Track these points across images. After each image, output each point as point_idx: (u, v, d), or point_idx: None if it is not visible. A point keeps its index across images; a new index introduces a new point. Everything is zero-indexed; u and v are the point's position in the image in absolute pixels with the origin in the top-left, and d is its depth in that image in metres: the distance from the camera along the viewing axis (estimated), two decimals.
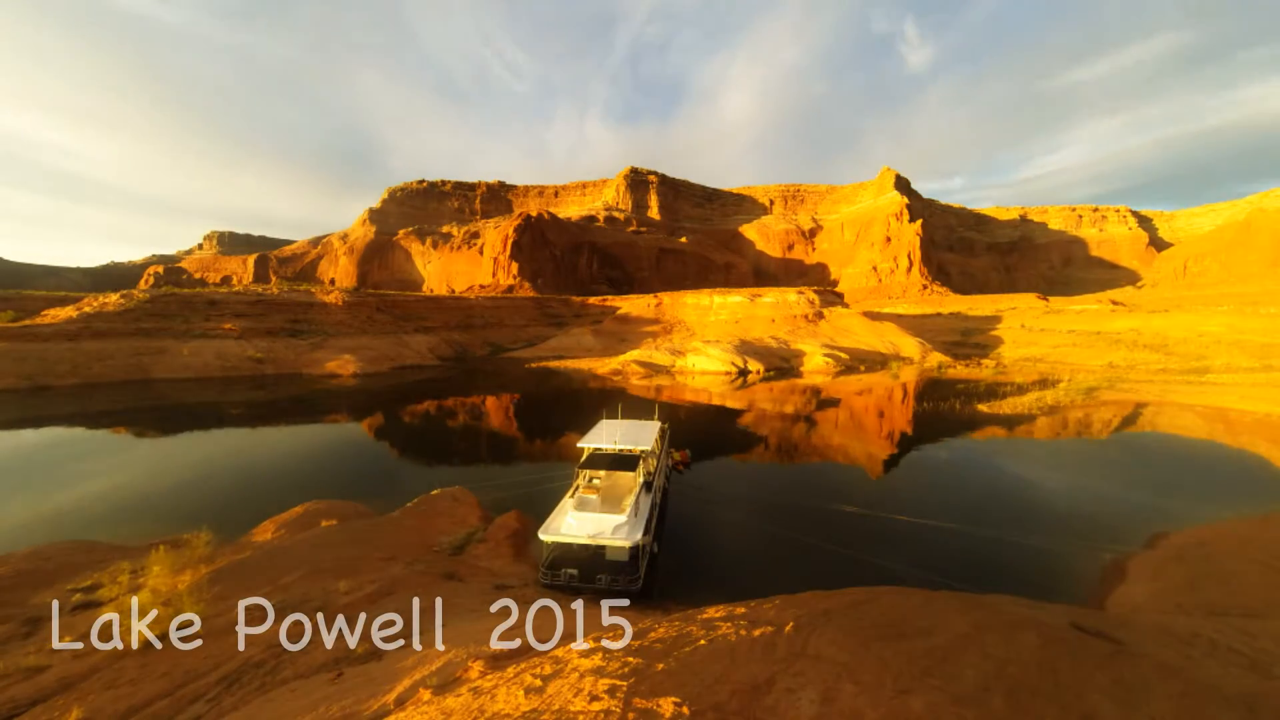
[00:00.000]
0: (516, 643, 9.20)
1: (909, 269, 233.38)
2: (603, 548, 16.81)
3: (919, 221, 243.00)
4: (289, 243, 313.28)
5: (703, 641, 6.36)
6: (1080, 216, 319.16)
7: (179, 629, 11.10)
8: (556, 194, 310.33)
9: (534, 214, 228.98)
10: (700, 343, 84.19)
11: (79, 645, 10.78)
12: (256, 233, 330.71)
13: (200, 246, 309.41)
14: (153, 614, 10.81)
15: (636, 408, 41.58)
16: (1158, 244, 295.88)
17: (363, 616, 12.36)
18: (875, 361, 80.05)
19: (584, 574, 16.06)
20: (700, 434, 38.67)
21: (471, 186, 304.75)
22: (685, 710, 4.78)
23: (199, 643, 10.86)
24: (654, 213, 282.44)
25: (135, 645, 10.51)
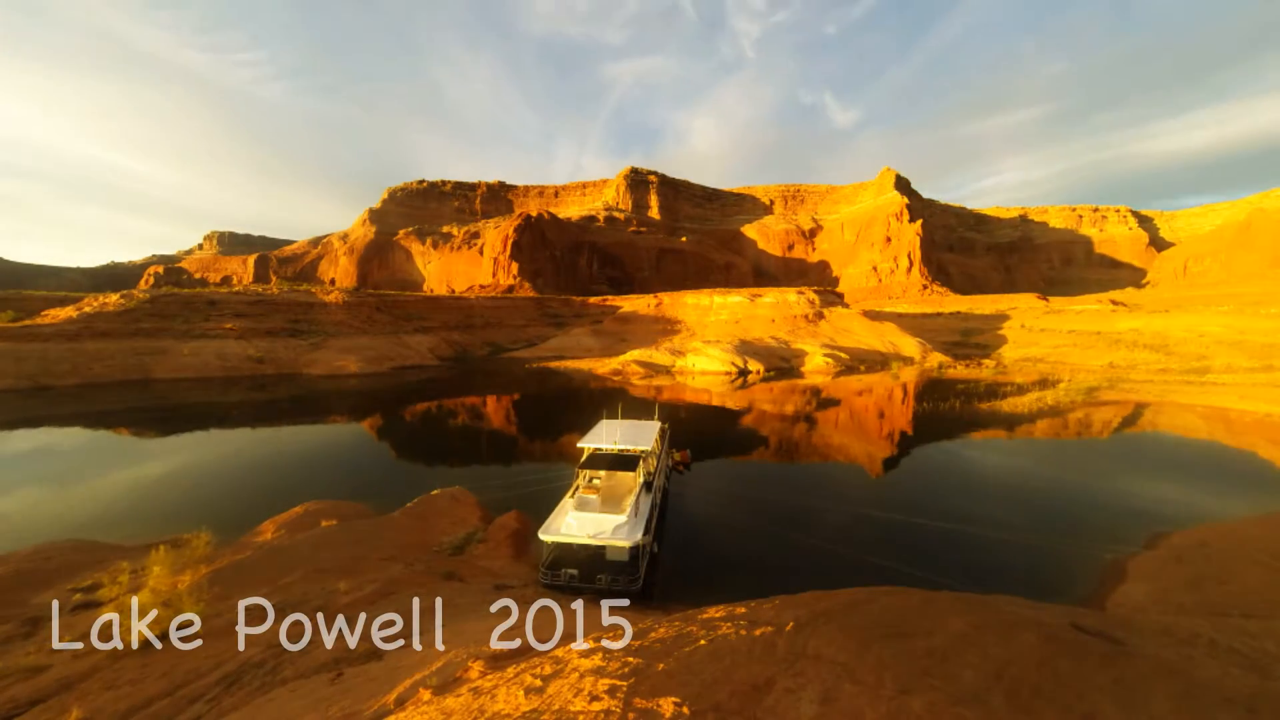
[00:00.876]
0: (516, 643, 9.19)
1: (909, 269, 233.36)
2: (603, 548, 16.81)
3: (919, 221, 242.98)
4: (289, 243, 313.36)
5: (703, 642, 6.36)
6: (1080, 216, 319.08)
7: (179, 629, 11.10)
8: (556, 194, 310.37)
9: (534, 214, 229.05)
10: (700, 343, 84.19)
11: (79, 645, 10.78)
12: (257, 233, 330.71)
13: (200, 247, 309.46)
14: (153, 614, 10.81)
15: (636, 408, 41.63)
16: (1158, 244, 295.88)
17: (363, 616, 12.36)
18: (875, 361, 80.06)
19: (584, 574, 16.06)
20: (700, 434, 38.66)
21: (472, 186, 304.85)
22: (685, 710, 4.78)
23: (199, 643, 10.86)
24: (654, 213, 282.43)
25: (135, 645, 10.51)
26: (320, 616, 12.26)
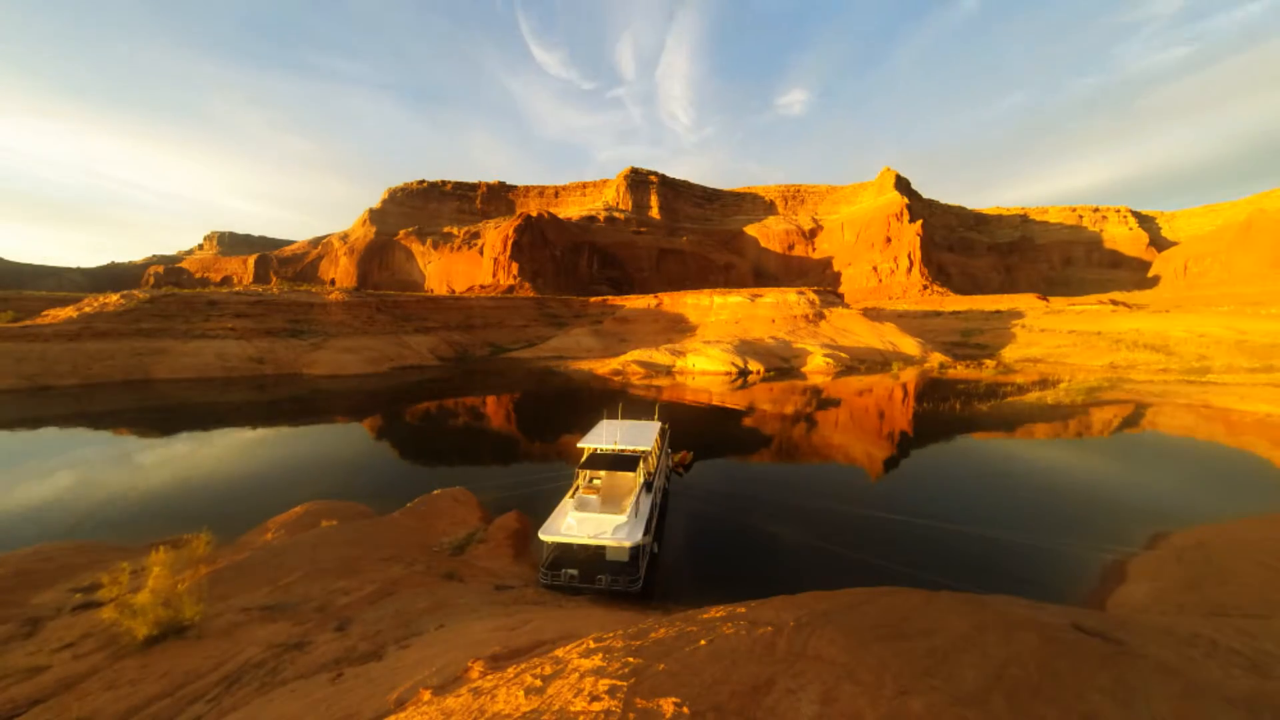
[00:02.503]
0: (517, 643, 9.19)
1: (909, 269, 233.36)
2: (603, 548, 16.81)
3: (919, 222, 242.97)
4: (289, 243, 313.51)
5: (703, 642, 6.36)
6: (1081, 216, 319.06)
7: (179, 629, 11.10)
8: (557, 194, 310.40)
9: (534, 214, 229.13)
10: (700, 343, 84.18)
11: (79, 645, 10.78)
12: (257, 233, 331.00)
13: (200, 247, 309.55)
14: (153, 614, 10.81)
15: (636, 408, 41.58)
16: (1158, 244, 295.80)
17: (363, 616, 12.36)
18: (876, 362, 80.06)
19: (584, 574, 16.06)
20: (701, 434, 38.65)
21: (472, 186, 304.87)
22: (685, 710, 4.78)
23: (199, 643, 10.86)
24: (654, 213, 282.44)
25: (135, 645, 10.51)
26: (320, 617, 12.27)
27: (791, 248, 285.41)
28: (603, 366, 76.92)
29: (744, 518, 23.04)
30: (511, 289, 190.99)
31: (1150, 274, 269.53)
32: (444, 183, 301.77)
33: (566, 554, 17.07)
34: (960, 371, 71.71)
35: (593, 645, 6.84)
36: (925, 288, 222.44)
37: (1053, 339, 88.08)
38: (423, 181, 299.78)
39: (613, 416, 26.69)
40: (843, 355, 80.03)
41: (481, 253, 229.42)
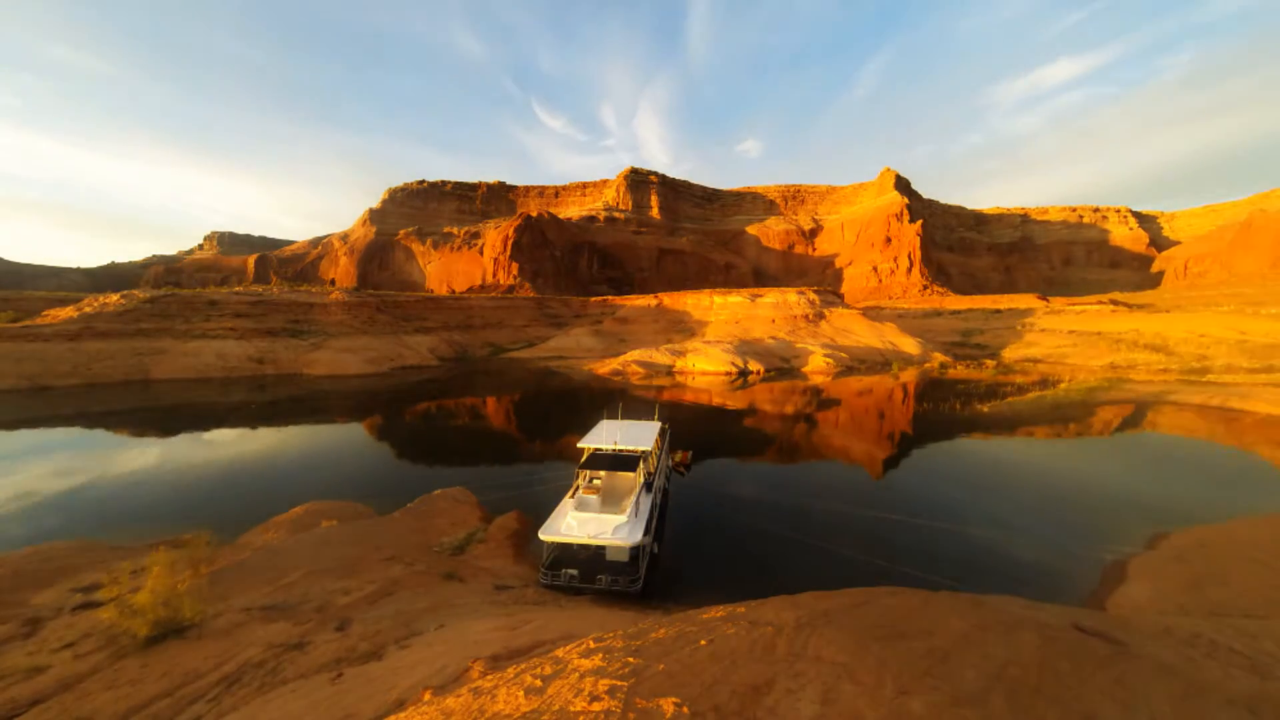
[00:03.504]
0: (517, 643, 9.19)
1: (909, 269, 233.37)
2: (603, 548, 16.81)
3: (919, 222, 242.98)
4: (289, 243, 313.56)
5: (703, 642, 6.36)
6: (1081, 216, 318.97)
7: (179, 629, 11.10)
8: (557, 194, 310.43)
9: (534, 214, 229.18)
10: (701, 343, 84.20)
11: (79, 645, 10.78)
12: (257, 233, 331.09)
13: (201, 247, 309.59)
14: (153, 615, 10.81)
15: (636, 408, 41.64)
16: (1159, 244, 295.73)
17: (363, 616, 12.36)
18: (876, 362, 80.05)
19: (584, 574, 16.05)
20: (701, 434, 38.65)
21: (472, 187, 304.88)
22: (685, 711, 4.78)
23: (199, 643, 10.86)
24: (654, 213, 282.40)
25: (135, 645, 10.51)
26: (320, 616, 12.27)
27: (791, 248, 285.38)
28: (603, 366, 76.93)
29: (744, 518, 23.04)
30: (511, 289, 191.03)
31: (1151, 274, 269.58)
32: (444, 183, 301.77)
33: (566, 554, 17.07)
34: (960, 372, 71.71)
35: (593, 645, 6.84)
36: (925, 288, 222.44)
37: (1053, 339, 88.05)
38: (423, 181, 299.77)
39: (613, 416, 26.69)
40: (843, 355, 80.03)
41: (481, 253, 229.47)
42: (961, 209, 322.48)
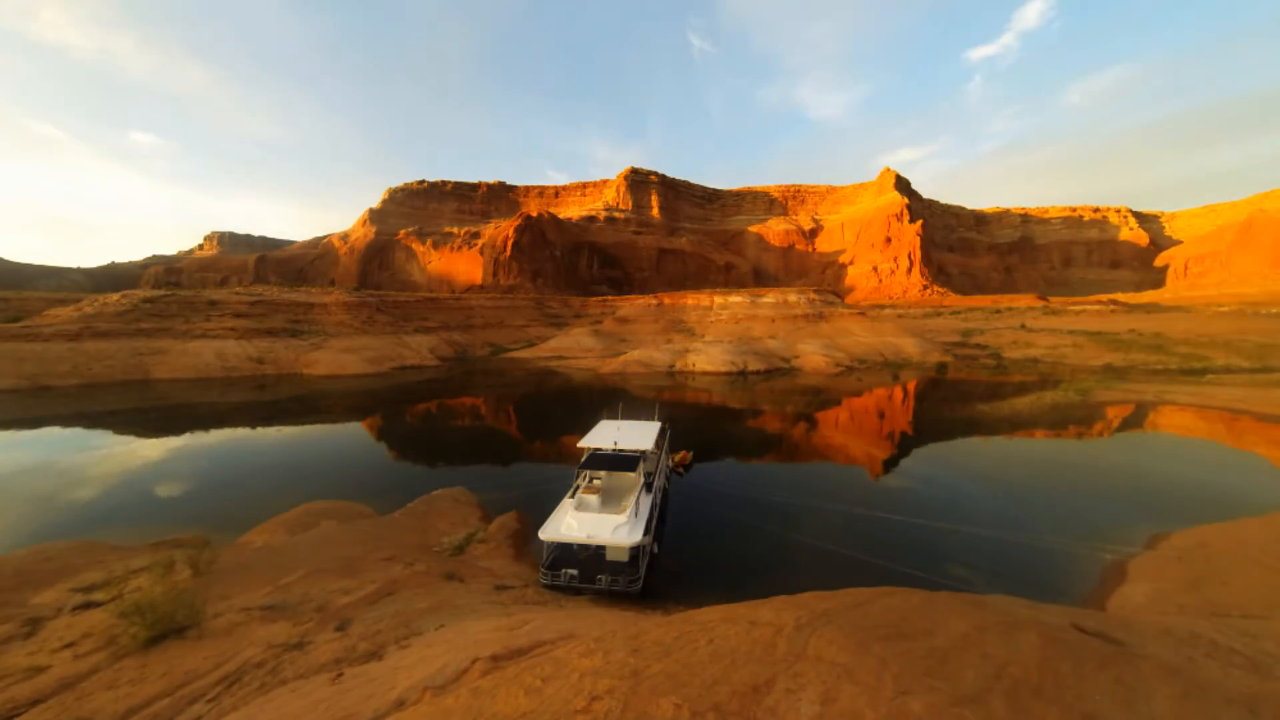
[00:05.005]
0: (517, 643, 9.19)
1: (909, 269, 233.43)
2: (603, 548, 16.81)
3: (919, 222, 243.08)
4: (289, 243, 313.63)
5: (702, 642, 6.36)
6: (1081, 217, 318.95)
7: (179, 629, 11.10)
8: (557, 194, 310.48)
9: (535, 214, 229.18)
10: (701, 343, 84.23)
11: (79, 645, 10.78)
12: (257, 233, 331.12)
13: (200, 247, 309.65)
14: (152, 614, 10.80)
15: (636, 408, 41.57)
16: (1159, 244, 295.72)
17: (363, 616, 12.36)
18: (876, 362, 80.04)
19: (584, 574, 16.05)
20: (701, 434, 38.66)
21: (473, 187, 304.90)
22: (685, 711, 4.78)
23: (199, 643, 10.86)
24: (654, 213, 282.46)
25: (135, 645, 10.51)
26: (320, 616, 12.27)
27: (791, 248, 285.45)
28: (603, 366, 76.93)
29: (744, 518, 23.05)
30: (512, 289, 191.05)
31: (1151, 274, 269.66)
32: (444, 183, 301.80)
33: (566, 554, 17.07)
34: (960, 371, 71.72)
35: (592, 645, 6.84)
36: (925, 288, 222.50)
37: (1052, 339, 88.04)
38: (423, 181, 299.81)
39: (613, 416, 26.70)
40: (843, 355, 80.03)
41: (482, 253, 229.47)
42: (961, 209, 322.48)
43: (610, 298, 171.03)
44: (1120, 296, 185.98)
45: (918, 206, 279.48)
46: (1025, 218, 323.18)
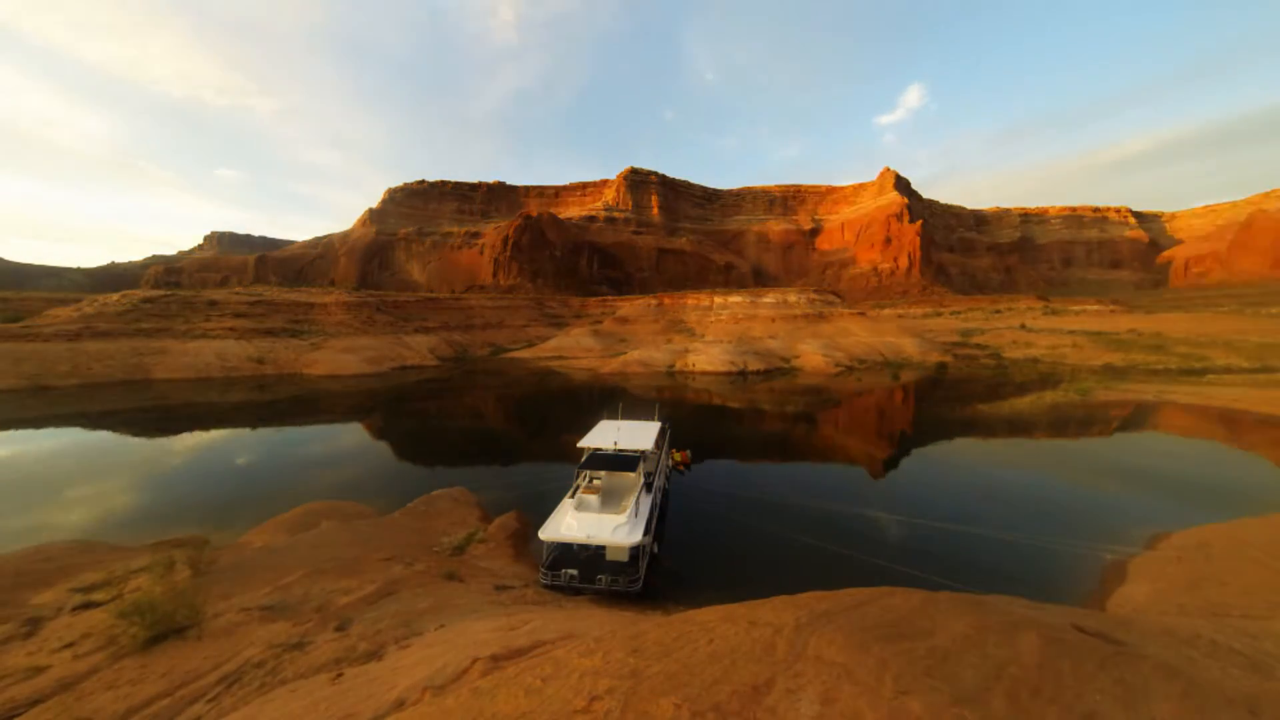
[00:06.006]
0: (517, 643, 9.18)
1: (909, 269, 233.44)
2: (603, 548, 16.82)
3: (919, 222, 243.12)
4: (289, 243, 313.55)
5: (702, 642, 6.36)
6: (1081, 217, 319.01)
7: (179, 629, 11.09)
8: (557, 194, 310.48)
9: (534, 214, 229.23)
10: (701, 343, 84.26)
11: (79, 645, 10.78)
12: (257, 233, 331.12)
13: (200, 247, 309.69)
14: (152, 614, 10.80)
15: (636, 408, 41.60)
16: (1159, 244, 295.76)
17: (363, 616, 12.36)
18: (875, 362, 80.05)
19: (584, 574, 16.05)
20: (701, 434, 38.65)
21: (472, 187, 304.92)
22: (685, 711, 4.78)
23: (199, 643, 10.86)
24: (654, 213, 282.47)
25: (135, 645, 10.51)
26: (320, 616, 12.27)
27: (791, 248, 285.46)
28: (603, 366, 76.93)
29: (744, 518, 23.05)
30: (511, 289, 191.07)
31: (1151, 274, 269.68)
32: (444, 183, 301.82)
33: (566, 554, 17.07)
34: (960, 371, 71.72)
35: (592, 645, 6.84)
36: (925, 288, 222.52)
37: (1052, 339, 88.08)
38: (423, 181, 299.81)
39: (613, 416, 26.69)
40: (843, 355, 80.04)
41: (481, 253, 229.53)
42: (961, 209, 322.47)
43: (610, 298, 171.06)
44: (1120, 296, 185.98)
45: (918, 206, 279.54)
46: (1025, 218, 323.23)
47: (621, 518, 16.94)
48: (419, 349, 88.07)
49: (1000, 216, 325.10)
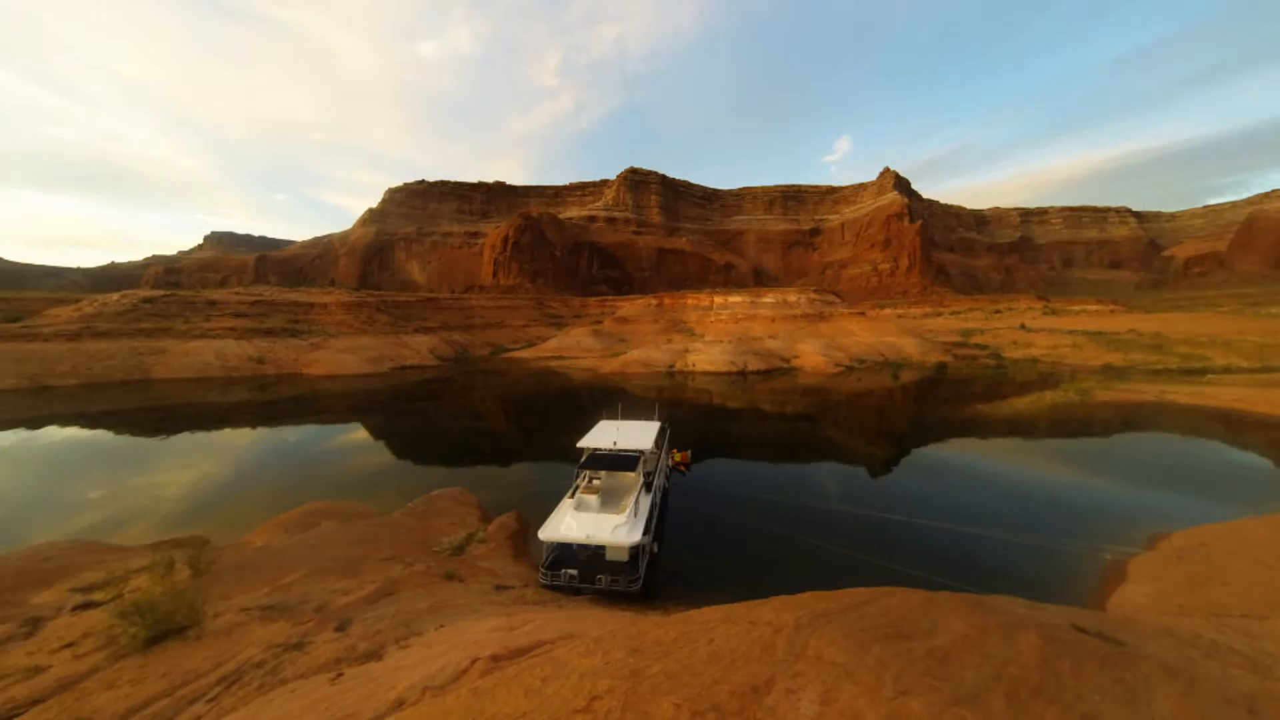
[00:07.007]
0: (516, 643, 9.18)
1: (909, 269, 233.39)
2: (603, 548, 16.81)
3: (919, 222, 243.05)
4: (289, 243, 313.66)
5: (702, 642, 6.36)
6: (1081, 217, 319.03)
7: (179, 629, 11.09)
8: (557, 194, 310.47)
9: (534, 214, 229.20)
10: (701, 343, 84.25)
11: (79, 645, 10.77)
12: (257, 233, 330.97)
13: (200, 247, 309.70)
14: (152, 614, 10.80)
15: (636, 408, 41.61)
16: (1158, 244, 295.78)
17: (363, 616, 12.36)
18: (875, 362, 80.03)
19: (584, 574, 16.05)
20: (701, 434, 38.65)
21: (473, 186, 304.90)
22: (685, 711, 4.78)
23: (199, 643, 10.85)
24: (654, 213, 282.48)
25: (135, 645, 10.50)
26: (320, 616, 12.26)
27: (791, 248, 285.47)
28: (603, 366, 76.93)
29: (744, 518, 23.05)
30: (512, 289, 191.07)
31: (1151, 274, 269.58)
32: (444, 183, 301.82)
33: (566, 554, 17.07)
34: (959, 371, 71.72)
35: (592, 645, 6.83)
36: (925, 288, 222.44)
37: (1052, 339, 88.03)
38: (422, 181, 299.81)
39: (613, 416, 26.70)
40: (842, 355, 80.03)
41: (481, 253, 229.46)
42: (961, 209, 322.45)
43: (610, 298, 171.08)
44: (1120, 296, 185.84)
45: (918, 207, 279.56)
46: (1025, 218, 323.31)
47: (621, 518, 16.94)
48: (419, 349, 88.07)
49: (1000, 216, 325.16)
